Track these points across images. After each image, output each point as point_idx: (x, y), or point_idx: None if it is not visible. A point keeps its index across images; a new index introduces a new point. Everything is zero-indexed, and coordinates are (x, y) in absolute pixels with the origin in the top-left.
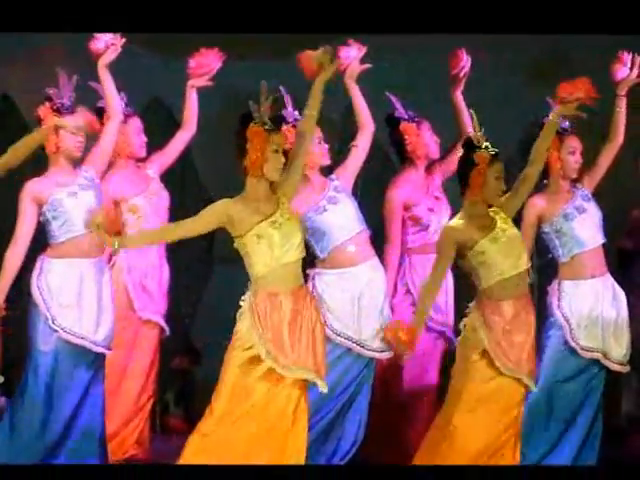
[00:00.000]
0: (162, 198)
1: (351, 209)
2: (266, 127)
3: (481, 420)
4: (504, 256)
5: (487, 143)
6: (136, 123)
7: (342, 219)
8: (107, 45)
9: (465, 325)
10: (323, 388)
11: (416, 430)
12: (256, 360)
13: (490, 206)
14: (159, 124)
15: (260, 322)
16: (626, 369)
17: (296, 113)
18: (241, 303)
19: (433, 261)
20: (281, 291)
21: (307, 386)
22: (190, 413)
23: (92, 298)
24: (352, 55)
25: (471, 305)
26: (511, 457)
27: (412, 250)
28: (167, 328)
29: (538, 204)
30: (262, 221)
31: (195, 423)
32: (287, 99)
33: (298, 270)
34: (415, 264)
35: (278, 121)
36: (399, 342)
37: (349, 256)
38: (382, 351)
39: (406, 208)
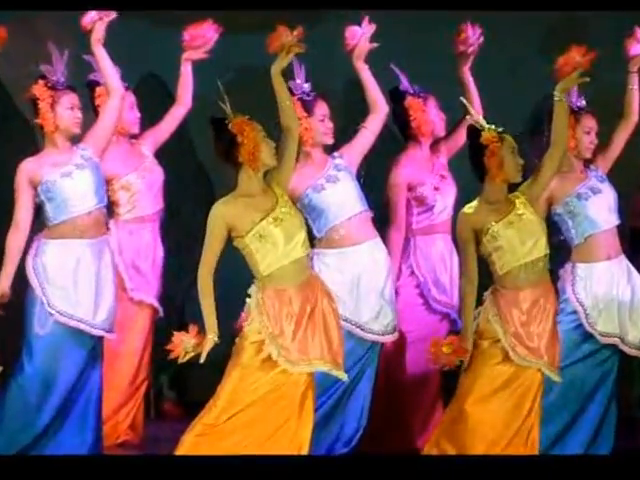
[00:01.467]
0: (156, 175)
1: (352, 189)
2: (247, 117)
3: (496, 409)
4: (520, 241)
5: (488, 124)
6: (129, 98)
7: (341, 199)
8: (94, 20)
9: (479, 314)
10: (342, 377)
11: (420, 416)
12: (266, 359)
13: (511, 192)
14: (153, 99)
15: (269, 320)
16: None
17: (305, 86)
18: (247, 300)
19: (445, 249)
20: (289, 286)
21: (314, 375)
22: (184, 397)
23: (90, 280)
24: (359, 34)
25: (486, 294)
26: (528, 446)
27: (417, 231)
28: (161, 309)
29: (549, 185)
30: (263, 219)
31: (189, 407)
32: (298, 70)
33: (306, 263)
34: (420, 245)
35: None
36: (445, 356)
37: (347, 236)
38: (383, 334)
39: (410, 188)
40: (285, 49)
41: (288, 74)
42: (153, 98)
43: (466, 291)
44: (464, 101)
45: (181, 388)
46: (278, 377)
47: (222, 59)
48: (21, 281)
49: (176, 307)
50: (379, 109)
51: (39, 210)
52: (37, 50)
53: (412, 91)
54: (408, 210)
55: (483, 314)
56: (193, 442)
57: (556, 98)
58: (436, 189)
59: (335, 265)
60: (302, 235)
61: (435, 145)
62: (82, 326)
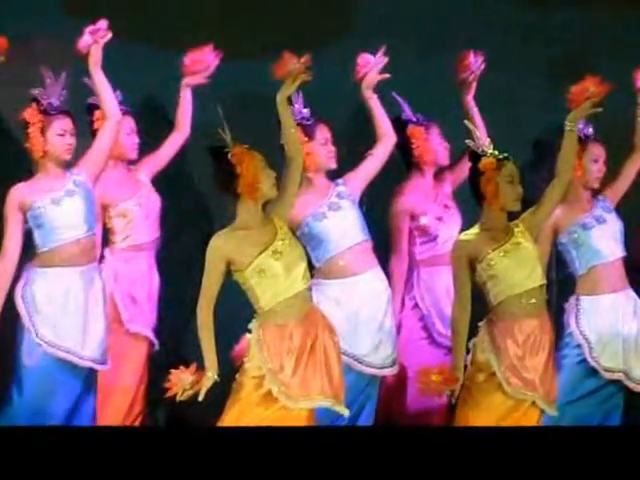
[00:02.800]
0: (153, 203)
1: (353, 218)
2: (246, 147)
3: None
4: (515, 270)
5: (492, 150)
6: (128, 123)
7: (342, 228)
8: (89, 44)
9: (474, 345)
10: (344, 412)
11: None
12: (266, 394)
13: (511, 220)
14: (152, 124)
15: (270, 356)
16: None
17: (305, 111)
18: (247, 335)
19: (450, 281)
20: (290, 321)
21: (314, 411)
22: (181, 426)
23: (78, 309)
24: (371, 63)
25: (480, 324)
26: None
27: (421, 262)
28: (156, 342)
29: (554, 213)
30: (262, 252)
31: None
32: (295, 96)
33: (306, 296)
34: (424, 277)
35: None
36: (434, 385)
37: (346, 266)
38: (382, 367)
39: (413, 217)
40: (292, 77)
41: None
42: (151, 123)
43: (458, 318)
44: (468, 124)
45: (178, 423)
46: (278, 413)
47: (223, 85)
48: (10, 310)
49: (173, 340)
50: (387, 138)
51: (29, 237)
52: (33, 72)
53: (414, 120)
54: (411, 240)
55: (478, 345)
56: None
57: (567, 127)
58: (439, 219)
59: (334, 296)
60: (302, 267)
61: (439, 174)
62: (70, 357)
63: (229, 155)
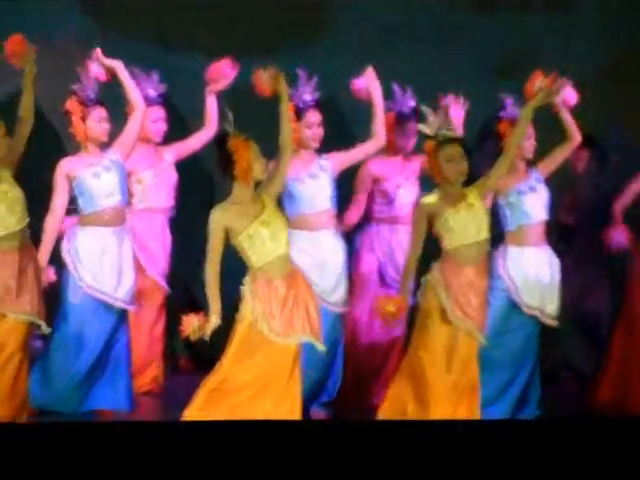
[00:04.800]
0: (169, 176)
1: (327, 188)
2: (244, 137)
3: (440, 373)
4: (467, 225)
5: (443, 131)
6: (157, 113)
7: (315, 192)
8: (97, 75)
9: (427, 281)
10: (321, 347)
11: (385, 381)
12: (259, 333)
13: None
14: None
15: (261, 304)
16: (556, 323)
17: (307, 96)
18: (242, 287)
19: (408, 235)
20: (276, 277)
21: (301, 350)
22: (196, 356)
23: (112, 261)
24: (363, 85)
25: (433, 265)
26: (472, 411)
27: (380, 220)
28: (167, 287)
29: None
30: (252, 222)
31: (200, 363)
32: (304, 81)
33: (288, 258)
34: (383, 232)
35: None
36: (388, 314)
37: (312, 223)
38: (339, 305)
39: (375, 181)
40: (277, 87)
41: (291, 82)
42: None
43: (411, 259)
44: (424, 110)
45: (193, 349)
46: (271, 348)
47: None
48: (57, 259)
49: (184, 286)
50: (377, 140)
51: (73, 201)
52: (70, 68)
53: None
54: (372, 199)
55: (430, 281)
56: (206, 397)
57: (523, 115)
58: (398, 186)
59: (301, 246)
60: (285, 235)
61: (410, 155)
62: (106, 298)
63: (228, 144)
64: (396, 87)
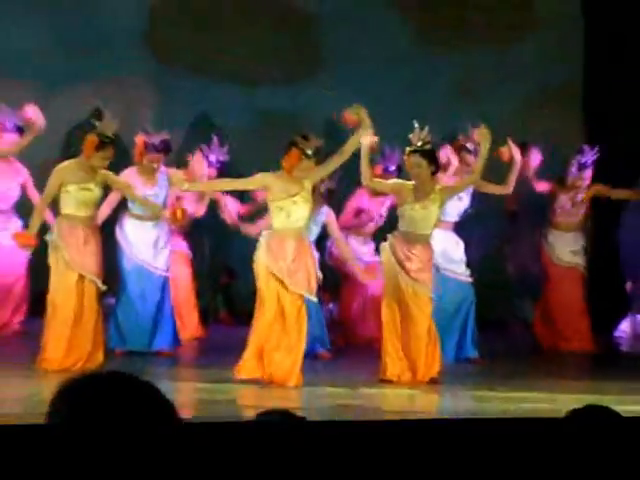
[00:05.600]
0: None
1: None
2: (306, 154)
3: (425, 322)
4: (422, 220)
5: (415, 147)
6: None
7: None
8: None
9: (382, 247)
10: (314, 298)
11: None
12: (273, 275)
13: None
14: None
15: (273, 256)
16: (469, 280)
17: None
18: (260, 239)
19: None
20: (289, 239)
21: (304, 297)
22: (233, 311)
23: (151, 241)
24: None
25: (389, 235)
26: (437, 355)
27: (352, 231)
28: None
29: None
30: (287, 198)
31: (236, 316)
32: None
33: (301, 233)
34: (351, 241)
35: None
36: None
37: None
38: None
39: (360, 211)
40: (360, 119)
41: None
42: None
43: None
44: (415, 124)
45: (231, 304)
46: (282, 291)
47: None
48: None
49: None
50: (508, 189)
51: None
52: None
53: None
54: (354, 216)
55: (386, 247)
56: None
57: (483, 151)
58: (380, 216)
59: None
60: (306, 216)
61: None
62: (148, 266)
63: (292, 149)
64: (387, 148)
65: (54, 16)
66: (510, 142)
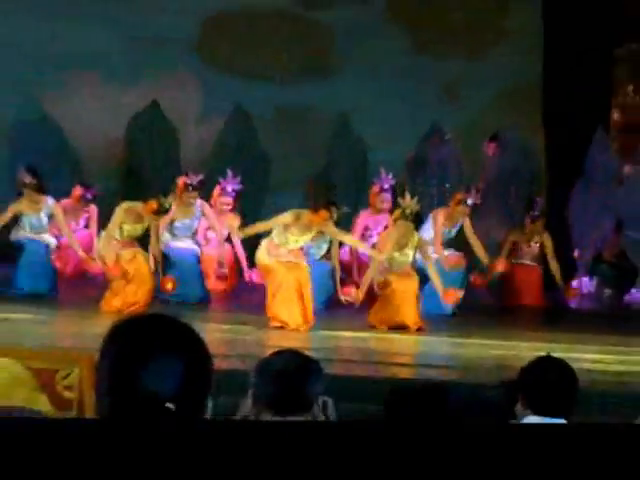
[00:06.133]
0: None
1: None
2: (332, 217)
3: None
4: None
5: (408, 210)
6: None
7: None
8: None
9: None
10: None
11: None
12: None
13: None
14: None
15: (273, 253)
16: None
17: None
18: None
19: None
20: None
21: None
22: None
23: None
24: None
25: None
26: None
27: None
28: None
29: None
30: (296, 235)
31: None
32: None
33: (298, 254)
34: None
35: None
36: None
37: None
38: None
39: (366, 228)
40: None
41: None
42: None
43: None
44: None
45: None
46: (291, 267)
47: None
48: None
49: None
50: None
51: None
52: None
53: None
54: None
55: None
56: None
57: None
58: (377, 233)
59: None
60: (304, 241)
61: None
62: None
63: (320, 211)
64: (382, 170)
65: (121, 20)
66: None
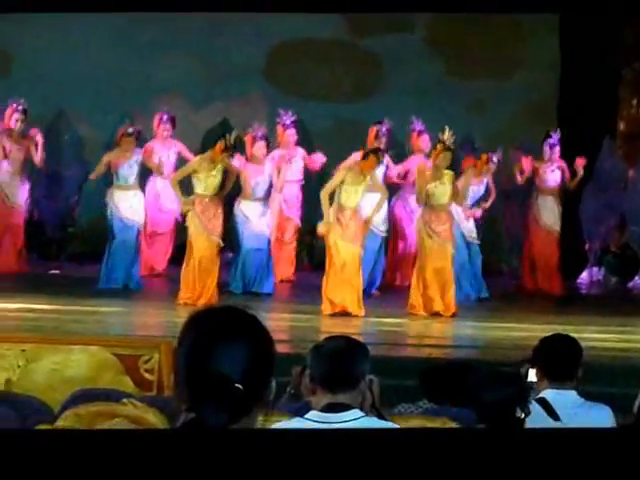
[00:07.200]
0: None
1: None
2: (379, 161)
3: (433, 268)
4: (442, 193)
5: (444, 144)
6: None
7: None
8: None
9: (417, 219)
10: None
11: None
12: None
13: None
14: None
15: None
16: (477, 241)
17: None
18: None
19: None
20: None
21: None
22: (312, 261)
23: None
24: None
25: (418, 214)
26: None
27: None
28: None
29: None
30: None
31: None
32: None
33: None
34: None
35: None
36: None
37: None
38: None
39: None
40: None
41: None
42: None
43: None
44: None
45: (313, 256)
46: (344, 248)
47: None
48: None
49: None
50: None
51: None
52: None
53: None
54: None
55: (419, 219)
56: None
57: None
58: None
59: None
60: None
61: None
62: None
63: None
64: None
65: (198, 52)
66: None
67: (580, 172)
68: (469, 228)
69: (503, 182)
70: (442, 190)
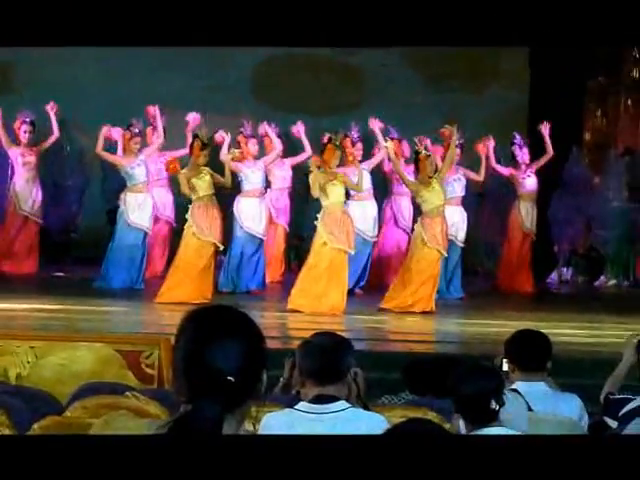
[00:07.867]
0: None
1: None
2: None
3: (419, 270)
4: (433, 197)
5: (423, 151)
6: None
7: None
8: None
9: (416, 227)
10: (352, 251)
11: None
12: (324, 243)
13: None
14: None
15: (328, 227)
16: (463, 245)
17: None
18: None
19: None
20: (338, 213)
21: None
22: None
23: (255, 215)
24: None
25: (419, 219)
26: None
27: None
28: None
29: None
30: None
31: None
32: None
33: (343, 208)
34: (397, 200)
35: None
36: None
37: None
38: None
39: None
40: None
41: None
42: None
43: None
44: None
45: (300, 258)
46: (330, 251)
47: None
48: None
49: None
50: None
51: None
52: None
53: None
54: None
55: (418, 226)
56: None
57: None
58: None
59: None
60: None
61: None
62: (254, 233)
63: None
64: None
65: (195, 68)
66: (486, 140)
67: (547, 140)
68: (461, 234)
69: (477, 185)
70: (434, 194)
